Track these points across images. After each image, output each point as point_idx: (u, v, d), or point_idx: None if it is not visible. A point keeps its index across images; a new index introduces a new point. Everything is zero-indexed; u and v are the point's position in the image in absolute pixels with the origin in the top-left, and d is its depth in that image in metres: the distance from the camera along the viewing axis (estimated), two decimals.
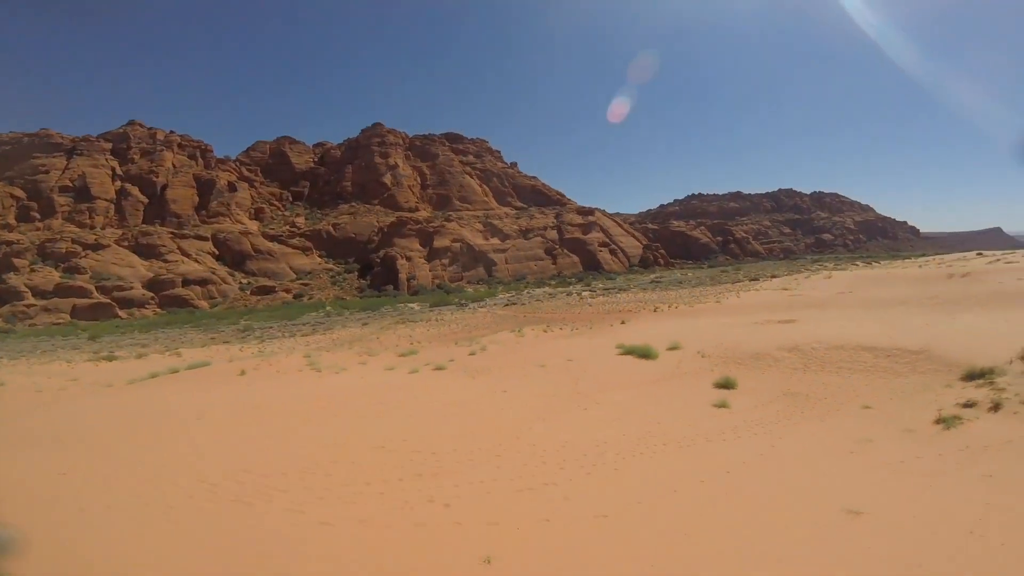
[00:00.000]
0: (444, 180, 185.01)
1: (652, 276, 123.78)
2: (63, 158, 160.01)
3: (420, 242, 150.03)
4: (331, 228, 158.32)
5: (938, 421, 10.51)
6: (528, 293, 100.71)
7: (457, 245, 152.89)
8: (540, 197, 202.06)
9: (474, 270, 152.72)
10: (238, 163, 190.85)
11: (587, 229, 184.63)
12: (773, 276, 73.60)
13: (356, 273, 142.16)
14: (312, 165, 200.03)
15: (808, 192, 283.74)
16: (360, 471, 8.94)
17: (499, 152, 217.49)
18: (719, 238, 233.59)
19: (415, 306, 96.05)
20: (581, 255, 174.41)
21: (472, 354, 23.58)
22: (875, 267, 71.10)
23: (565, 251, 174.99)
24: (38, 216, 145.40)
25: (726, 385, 14.43)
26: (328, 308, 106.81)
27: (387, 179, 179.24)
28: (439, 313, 72.90)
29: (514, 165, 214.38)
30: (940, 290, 32.59)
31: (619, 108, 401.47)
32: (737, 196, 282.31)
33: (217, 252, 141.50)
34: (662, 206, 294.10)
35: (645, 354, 18.49)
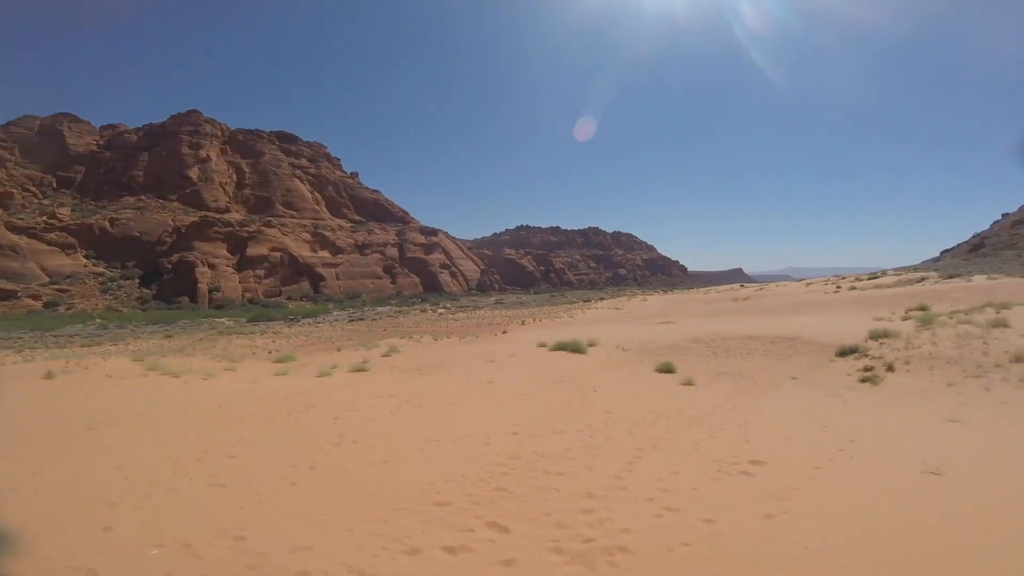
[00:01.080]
0: (267, 181, 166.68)
1: (493, 299, 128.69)
2: None
3: (229, 248, 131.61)
4: (107, 224, 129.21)
5: (863, 380, 13.34)
6: (372, 311, 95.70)
7: (277, 255, 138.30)
8: (382, 212, 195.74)
9: (297, 284, 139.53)
10: None
11: (430, 250, 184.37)
12: (601, 299, 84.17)
13: (137, 281, 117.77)
14: (95, 149, 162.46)
15: (610, 231, 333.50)
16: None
17: (339, 160, 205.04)
18: (542, 268, 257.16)
19: (227, 321, 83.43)
20: (423, 276, 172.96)
21: (386, 355, 21.20)
22: (671, 293, 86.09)
23: (406, 271, 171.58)
24: None
25: (667, 370, 15.74)
26: (99, 319, 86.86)
27: (193, 173, 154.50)
28: (268, 328, 64.81)
29: (355, 176, 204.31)
30: (741, 306, 41.06)
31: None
32: (556, 231, 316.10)
33: None
34: (495, 234, 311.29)
35: (576, 349, 19.22)
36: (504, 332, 35.61)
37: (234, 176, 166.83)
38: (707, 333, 21.92)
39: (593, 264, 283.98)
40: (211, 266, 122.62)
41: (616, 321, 37.81)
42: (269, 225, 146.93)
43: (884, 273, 71.29)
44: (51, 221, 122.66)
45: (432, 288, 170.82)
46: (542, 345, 21.53)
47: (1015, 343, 14.43)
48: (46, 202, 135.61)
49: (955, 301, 25.94)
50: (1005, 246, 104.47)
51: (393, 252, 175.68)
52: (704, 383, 13.93)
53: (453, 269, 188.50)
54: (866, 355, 15.53)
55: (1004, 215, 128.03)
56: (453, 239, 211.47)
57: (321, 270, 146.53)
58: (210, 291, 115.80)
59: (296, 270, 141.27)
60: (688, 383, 13.74)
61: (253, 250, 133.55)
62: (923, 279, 53.43)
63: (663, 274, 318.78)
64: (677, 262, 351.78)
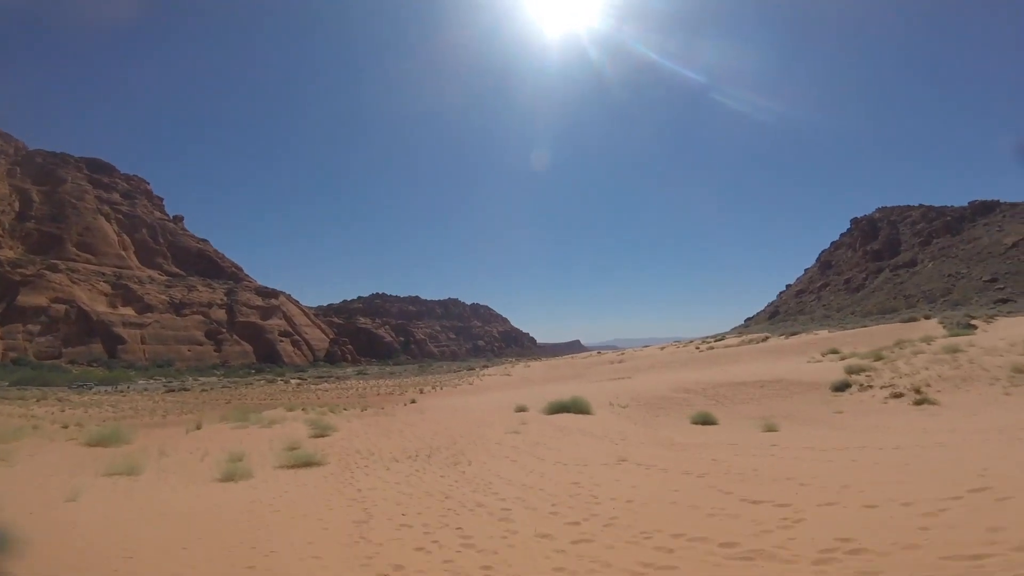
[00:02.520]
0: (62, 215, 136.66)
1: (351, 370, 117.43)
2: None
3: None
4: None
5: (917, 403, 13.14)
6: (194, 380, 79.44)
7: (61, 308, 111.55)
8: (209, 266, 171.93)
9: (85, 346, 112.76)
10: None
11: (268, 314, 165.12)
12: (485, 366, 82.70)
13: None
14: None
15: (469, 303, 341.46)
16: None
17: (161, 200, 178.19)
18: (401, 338, 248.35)
19: None
20: (256, 343, 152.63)
21: (320, 436, 15.27)
22: (542, 361, 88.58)
23: (235, 337, 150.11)
24: None
25: (707, 421, 13.86)
26: None
27: None
28: (46, 394, 49.33)
29: (179, 220, 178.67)
30: (646, 363, 42.96)
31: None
32: (416, 300, 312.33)
33: None
34: (345, 301, 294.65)
35: (581, 409, 16.11)
36: (413, 401, 31.26)
37: (17, 204, 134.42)
38: (686, 383, 20.86)
39: (453, 335, 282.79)
40: None
41: (543, 382, 36.42)
42: (54, 269, 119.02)
43: (722, 336, 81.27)
44: None
45: (269, 358, 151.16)
46: (521, 409, 18.24)
47: (993, 360, 15.85)
48: None
49: (853, 345, 29.25)
50: (796, 312, 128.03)
51: (220, 314, 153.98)
52: (789, 429, 12.27)
53: (296, 337, 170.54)
54: (868, 387, 15.68)
55: (787, 286, 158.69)
56: (297, 303, 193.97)
57: (121, 330, 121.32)
58: None
59: (86, 328, 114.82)
60: (770, 429, 11.88)
61: (27, 299, 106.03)
62: (766, 337, 61.65)
63: (517, 345, 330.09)
64: (528, 334, 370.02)
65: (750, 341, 61.73)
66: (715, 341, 70.88)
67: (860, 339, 32.04)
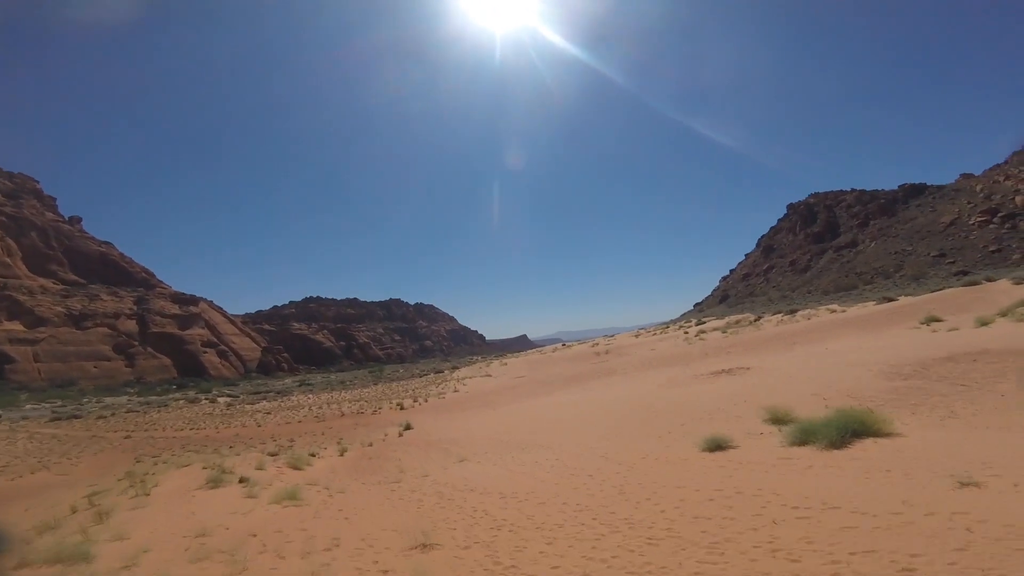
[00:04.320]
0: None
1: (292, 380, 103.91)
2: None
3: None
4: None
5: None
6: (97, 402, 64.80)
7: None
8: (114, 272, 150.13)
9: None
10: None
11: (187, 323, 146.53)
12: (455, 367, 74.54)
13: None
14: None
15: (412, 303, 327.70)
16: None
17: (53, 200, 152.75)
18: (342, 343, 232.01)
19: None
20: (176, 356, 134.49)
21: (283, 503, 7.30)
22: (520, 357, 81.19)
23: (150, 350, 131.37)
24: None
25: None
26: None
27: None
28: None
29: (76, 221, 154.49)
30: (684, 353, 36.54)
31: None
32: (354, 302, 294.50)
33: None
34: (276, 307, 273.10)
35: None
36: (408, 428, 22.82)
37: None
38: (895, 363, 13.77)
39: (398, 337, 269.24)
40: None
41: (566, 384, 28.78)
42: None
43: (701, 321, 76.97)
44: None
45: (192, 371, 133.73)
46: (721, 445, 10.26)
47: None
48: None
49: (947, 311, 23.84)
50: (746, 294, 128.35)
51: (129, 325, 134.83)
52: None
53: (222, 347, 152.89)
54: None
55: (731, 271, 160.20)
56: (221, 311, 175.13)
57: (8, 348, 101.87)
58: None
59: None
60: None
61: None
62: (757, 318, 57.17)
63: (465, 343, 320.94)
64: (476, 331, 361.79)
65: (738, 323, 57.05)
66: (695, 325, 66.03)
67: (946, 305, 26.57)
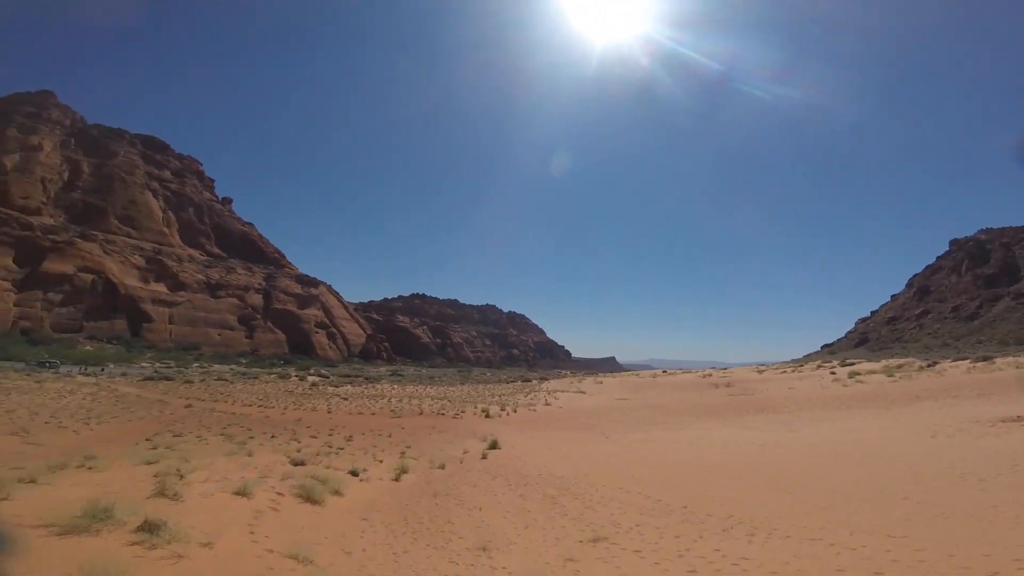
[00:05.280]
0: (107, 187, 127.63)
1: (385, 369, 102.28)
2: None
3: (16, 257, 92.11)
4: None
5: None
6: (203, 368, 65.02)
7: (88, 277, 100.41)
8: (252, 250, 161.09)
9: (108, 320, 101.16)
10: None
11: (306, 303, 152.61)
12: (544, 379, 65.94)
13: None
14: None
15: (506, 311, 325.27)
16: None
17: (212, 182, 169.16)
18: (438, 340, 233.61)
19: None
20: (291, 333, 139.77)
21: None
22: (616, 378, 71.18)
23: (269, 324, 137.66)
24: None
25: None
26: None
27: (9, 160, 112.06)
28: None
29: (227, 202, 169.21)
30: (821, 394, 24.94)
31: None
32: (454, 304, 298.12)
33: None
34: (386, 299, 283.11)
35: None
36: (493, 447, 14.71)
37: (66, 174, 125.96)
38: None
39: (488, 342, 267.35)
40: None
41: (687, 416, 19.34)
42: (87, 238, 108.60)
43: (846, 362, 61.50)
44: None
45: (302, 349, 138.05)
46: None
47: None
48: None
49: None
50: (891, 339, 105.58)
51: (256, 299, 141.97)
52: None
53: (332, 330, 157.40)
54: None
55: (872, 313, 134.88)
56: (338, 296, 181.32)
57: (149, 307, 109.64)
58: None
59: (111, 302, 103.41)
60: None
61: (53, 265, 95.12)
62: (932, 363, 43.18)
63: (551, 357, 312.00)
64: (563, 347, 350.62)
65: (900, 368, 42.81)
66: (840, 366, 51.89)
67: None
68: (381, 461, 13.56)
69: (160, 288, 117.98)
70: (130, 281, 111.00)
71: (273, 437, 17.13)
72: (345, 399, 35.15)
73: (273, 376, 55.27)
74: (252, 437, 16.56)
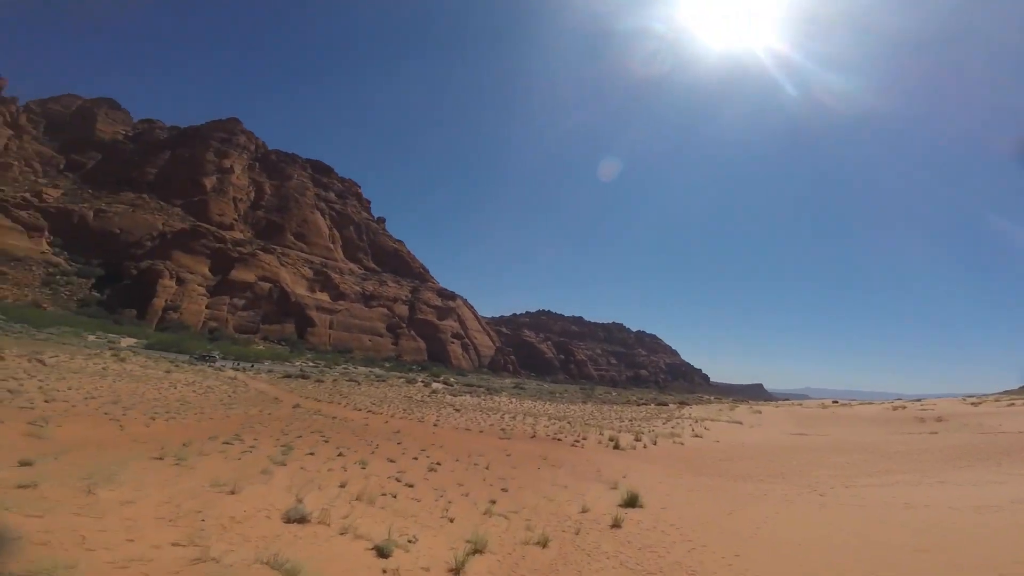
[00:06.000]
0: (285, 207, 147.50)
1: (509, 381, 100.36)
2: None
3: (211, 266, 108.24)
4: (89, 214, 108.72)
5: None
6: (348, 370, 68.16)
7: (266, 285, 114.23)
8: (400, 265, 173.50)
9: (280, 324, 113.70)
10: (23, 108, 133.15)
11: (444, 314, 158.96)
12: (683, 403, 56.73)
13: (93, 280, 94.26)
14: (120, 139, 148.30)
15: (634, 330, 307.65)
16: None
17: (369, 203, 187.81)
18: (562, 356, 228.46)
19: (128, 340, 57.21)
20: (430, 342, 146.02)
21: None
22: (779, 407, 58.72)
23: (412, 333, 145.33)
24: None
25: None
26: None
27: (208, 181, 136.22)
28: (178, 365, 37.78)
29: (381, 222, 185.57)
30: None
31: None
32: (579, 321, 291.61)
33: None
34: (514, 314, 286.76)
35: None
36: (632, 504, 9.20)
37: (252, 194, 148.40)
38: None
39: (614, 361, 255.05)
40: (180, 281, 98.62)
41: (953, 468, 11.41)
42: (268, 251, 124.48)
43: None
44: (31, 199, 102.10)
45: (439, 358, 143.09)
46: None
47: None
48: (42, 181, 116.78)
49: None
50: None
51: (402, 310, 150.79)
52: None
53: (466, 341, 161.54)
54: None
55: None
56: (472, 309, 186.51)
57: (313, 314, 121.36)
58: (165, 309, 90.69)
59: (283, 308, 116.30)
60: None
61: (239, 274, 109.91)
62: None
63: (685, 380, 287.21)
64: (700, 371, 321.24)
65: None
66: None
67: None
68: (452, 520, 8.76)
69: (324, 297, 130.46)
70: (299, 290, 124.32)
71: (341, 455, 13.39)
72: (457, 411, 31.69)
73: (401, 380, 54.99)
74: (312, 453, 12.94)
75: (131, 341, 56.85)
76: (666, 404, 52.03)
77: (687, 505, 11.13)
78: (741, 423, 35.30)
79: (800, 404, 58.94)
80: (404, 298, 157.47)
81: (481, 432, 23.98)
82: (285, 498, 7.93)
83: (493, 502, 10.45)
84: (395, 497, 9.53)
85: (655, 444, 22.70)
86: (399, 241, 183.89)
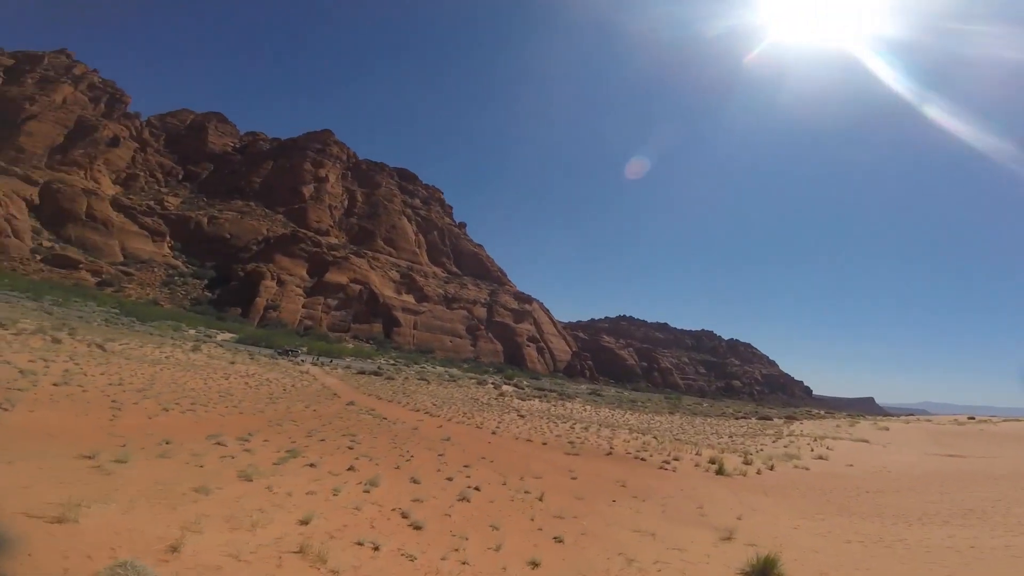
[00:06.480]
0: (375, 213, 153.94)
1: (585, 387, 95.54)
2: None
3: (309, 269, 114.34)
4: (204, 220, 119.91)
5: None
6: (424, 369, 67.68)
7: (357, 287, 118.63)
8: (480, 268, 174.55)
9: (368, 324, 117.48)
10: (146, 123, 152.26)
11: (520, 317, 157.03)
12: (793, 418, 49.34)
13: (205, 281, 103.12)
14: (229, 150, 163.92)
15: (726, 338, 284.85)
16: None
17: (451, 208, 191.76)
18: (644, 364, 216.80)
19: (225, 335, 60.19)
20: (506, 344, 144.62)
21: None
22: (909, 423, 48.73)
23: (490, 335, 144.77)
24: None
25: None
26: (115, 310, 67.36)
27: (307, 190, 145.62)
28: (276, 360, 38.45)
29: (462, 226, 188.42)
30: None
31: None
32: (664, 328, 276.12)
33: (37, 201, 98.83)
34: (593, 320, 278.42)
35: None
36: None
37: (345, 202, 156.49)
38: None
39: (703, 370, 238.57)
40: (280, 282, 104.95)
41: None
42: (360, 255, 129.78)
43: None
44: (153, 206, 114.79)
45: (514, 360, 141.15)
46: None
47: None
48: (164, 190, 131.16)
49: None
50: None
51: (481, 312, 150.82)
52: None
53: (541, 344, 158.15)
54: None
55: None
56: (548, 313, 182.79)
57: (399, 315, 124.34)
58: (266, 308, 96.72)
59: (372, 309, 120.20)
60: None
61: (332, 276, 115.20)
62: None
63: (783, 393, 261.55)
64: (801, 383, 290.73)
65: None
66: None
67: None
68: None
69: (409, 299, 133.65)
70: (387, 292, 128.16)
71: (352, 468, 10.66)
72: (522, 416, 28.39)
73: (472, 381, 52.90)
74: (314, 464, 10.22)
75: (226, 336, 60.24)
76: (770, 418, 44.99)
77: (859, 573, 6.85)
78: (868, 441, 28.92)
79: (928, 419, 49.40)
80: (483, 301, 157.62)
81: (544, 444, 20.45)
82: (153, 541, 5.02)
83: (535, 565, 6.92)
84: (376, 550, 6.35)
85: (771, 469, 17.82)
86: (479, 245, 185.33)
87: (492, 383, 52.65)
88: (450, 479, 11.36)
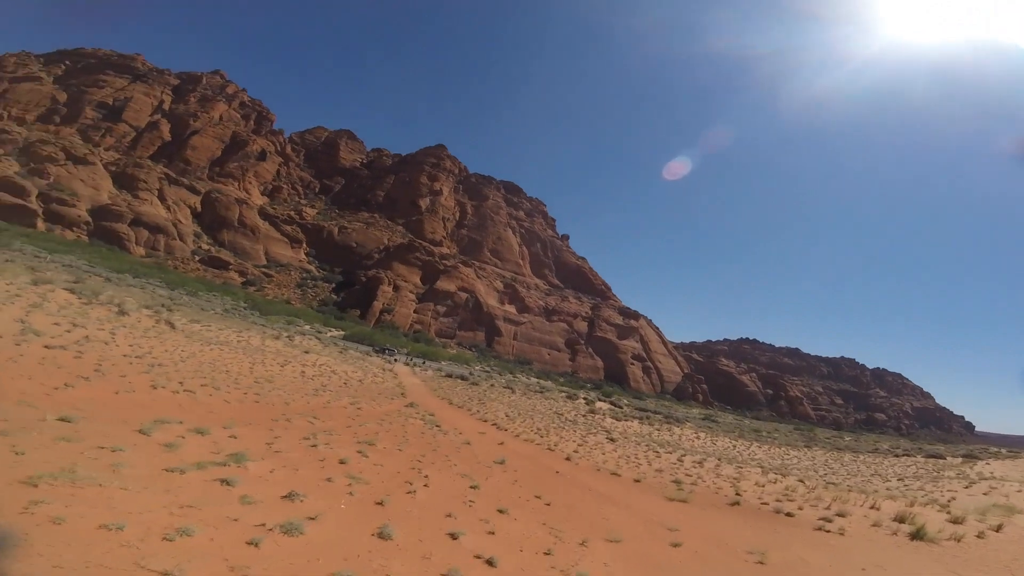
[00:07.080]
0: (483, 225, 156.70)
1: (697, 411, 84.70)
2: (127, 80, 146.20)
3: (422, 276, 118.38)
4: (335, 230, 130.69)
5: None
6: (515, 379, 64.32)
7: (463, 296, 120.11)
8: (582, 282, 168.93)
9: (472, 331, 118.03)
10: (288, 139, 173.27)
11: (625, 334, 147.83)
12: (971, 457, 37.34)
13: (333, 285, 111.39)
14: (358, 166, 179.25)
15: (870, 367, 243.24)
16: None
17: (554, 220, 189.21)
18: (769, 391, 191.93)
19: (334, 331, 62.07)
20: (608, 361, 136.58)
21: None
22: None
23: (590, 351, 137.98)
24: (58, 119, 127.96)
25: None
26: (241, 303, 73.80)
27: (423, 202, 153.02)
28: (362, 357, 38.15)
29: (565, 239, 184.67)
30: None
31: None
32: (794, 353, 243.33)
33: (199, 209, 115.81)
34: (709, 341, 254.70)
35: None
36: None
37: (457, 214, 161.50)
38: None
39: (840, 401, 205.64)
40: (396, 288, 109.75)
41: None
42: (467, 264, 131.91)
43: None
44: (293, 216, 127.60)
45: (616, 378, 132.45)
46: None
47: None
48: (302, 200, 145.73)
49: None
50: None
51: (582, 326, 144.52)
52: None
53: (648, 364, 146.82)
54: None
55: None
56: (657, 330, 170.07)
57: (501, 324, 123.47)
58: (381, 311, 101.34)
59: (477, 317, 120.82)
60: None
61: (442, 284, 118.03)
62: None
63: (938, 428, 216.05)
64: (961, 417, 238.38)
65: None
66: None
67: None
68: None
69: (511, 309, 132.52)
70: (491, 302, 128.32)
71: (287, 497, 6.72)
72: (612, 440, 23.12)
73: (562, 395, 47.94)
74: (230, 483, 6.58)
75: (335, 332, 62.61)
76: (941, 456, 33.83)
77: None
78: None
79: None
80: (584, 314, 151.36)
81: (637, 482, 15.22)
82: None
83: None
84: None
85: (998, 531, 10.81)
86: (582, 258, 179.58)
87: (583, 398, 47.12)
88: (456, 537, 7.07)
